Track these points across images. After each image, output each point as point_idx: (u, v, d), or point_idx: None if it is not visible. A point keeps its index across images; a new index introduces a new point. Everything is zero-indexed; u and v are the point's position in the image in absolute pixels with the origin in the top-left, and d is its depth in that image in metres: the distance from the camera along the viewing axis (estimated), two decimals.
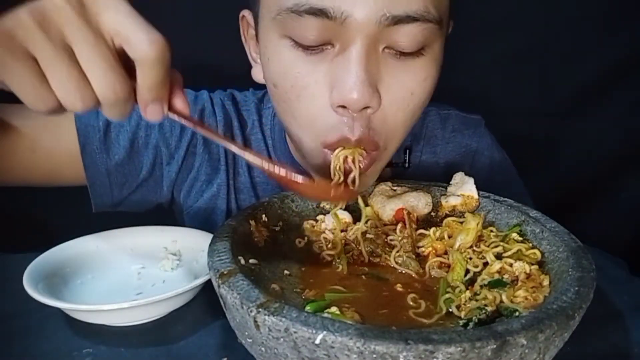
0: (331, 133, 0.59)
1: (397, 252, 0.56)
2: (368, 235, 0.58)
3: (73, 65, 0.40)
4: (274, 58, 0.61)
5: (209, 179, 0.81)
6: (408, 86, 0.59)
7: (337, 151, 0.59)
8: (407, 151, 0.82)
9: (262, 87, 0.86)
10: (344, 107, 0.57)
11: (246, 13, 0.70)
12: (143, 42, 0.40)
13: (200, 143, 0.80)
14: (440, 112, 0.88)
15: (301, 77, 0.58)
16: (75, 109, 0.41)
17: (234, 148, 0.51)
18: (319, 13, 0.54)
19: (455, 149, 0.88)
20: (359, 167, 0.59)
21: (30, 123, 0.70)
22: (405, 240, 0.57)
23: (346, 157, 0.59)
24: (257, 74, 0.71)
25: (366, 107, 0.57)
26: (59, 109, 0.42)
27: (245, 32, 0.72)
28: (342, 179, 0.59)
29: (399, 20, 0.54)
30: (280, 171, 0.52)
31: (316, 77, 0.58)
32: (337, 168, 0.59)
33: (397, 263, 0.56)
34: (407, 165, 0.82)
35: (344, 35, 0.55)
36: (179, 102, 0.46)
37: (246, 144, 0.81)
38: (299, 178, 0.52)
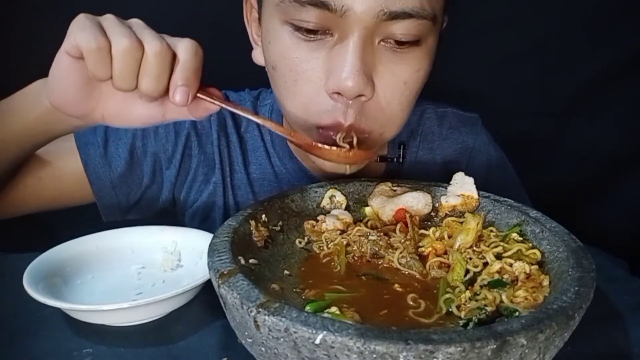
0: (325, 116, 0.62)
1: (401, 253, 0.56)
2: (371, 237, 0.58)
3: (130, 30, 0.52)
4: (274, 42, 0.63)
5: (207, 179, 0.82)
6: (401, 76, 0.63)
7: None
8: (402, 147, 0.83)
9: (258, 87, 0.87)
10: (339, 93, 0.60)
11: None
12: (183, 40, 0.54)
13: (195, 145, 0.81)
14: (437, 110, 0.89)
15: (299, 63, 0.61)
16: (122, 46, 0.51)
17: (266, 122, 0.61)
18: (321, 5, 0.57)
19: (452, 145, 0.88)
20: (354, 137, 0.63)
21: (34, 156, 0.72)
22: (408, 242, 0.57)
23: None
24: (258, 56, 0.73)
25: (360, 95, 0.60)
26: (107, 54, 0.51)
27: (248, 14, 0.74)
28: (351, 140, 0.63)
29: (395, 16, 0.57)
30: (304, 139, 0.61)
31: (314, 64, 0.61)
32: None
33: (400, 264, 0.55)
34: (401, 160, 0.82)
35: (343, 26, 0.58)
36: (211, 90, 0.57)
37: (241, 143, 0.83)
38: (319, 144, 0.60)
